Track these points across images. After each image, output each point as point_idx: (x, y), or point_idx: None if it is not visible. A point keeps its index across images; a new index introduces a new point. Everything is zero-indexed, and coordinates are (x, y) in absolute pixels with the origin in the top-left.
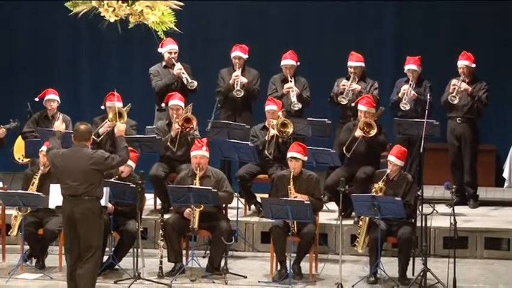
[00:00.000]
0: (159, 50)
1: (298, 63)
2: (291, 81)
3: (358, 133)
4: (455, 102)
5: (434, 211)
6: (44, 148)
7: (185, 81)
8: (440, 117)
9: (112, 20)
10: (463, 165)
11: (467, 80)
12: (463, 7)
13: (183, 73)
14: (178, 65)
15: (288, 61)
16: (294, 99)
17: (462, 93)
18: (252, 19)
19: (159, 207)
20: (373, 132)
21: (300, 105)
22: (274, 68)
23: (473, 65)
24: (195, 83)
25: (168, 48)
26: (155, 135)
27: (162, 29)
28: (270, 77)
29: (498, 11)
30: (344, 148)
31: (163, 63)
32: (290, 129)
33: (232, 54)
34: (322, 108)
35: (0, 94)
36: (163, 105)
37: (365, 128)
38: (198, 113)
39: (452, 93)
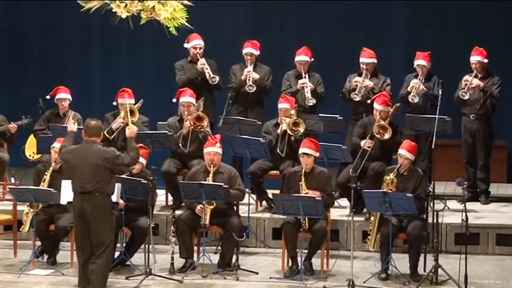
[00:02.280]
0: (185, 45)
1: (312, 59)
2: (305, 77)
3: (367, 145)
4: (466, 97)
5: (446, 207)
6: (56, 144)
7: (207, 76)
8: (454, 113)
9: (124, 16)
10: (477, 162)
11: (479, 76)
12: (476, 2)
13: (206, 68)
14: (202, 60)
15: (302, 57)
16: (308, 94)
17: (474, 88)
18: (264, 15)
19: (170, 203)
20: (387, 135)
21: (314, 101)
22: (286, 64)
23: (486, 60)
24: (217, 78)
25: (194, 44)
26: (166, 132)
27: (173, 25)
28: (282, 73)
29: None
30: (351, 170)
31: (189, 58)
32: (302, 129)
33: (244, 51)
34: (334, 104)
35: (12, 90)
36: (174, 100)
37: (380, 131)
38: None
39: (464, 88)
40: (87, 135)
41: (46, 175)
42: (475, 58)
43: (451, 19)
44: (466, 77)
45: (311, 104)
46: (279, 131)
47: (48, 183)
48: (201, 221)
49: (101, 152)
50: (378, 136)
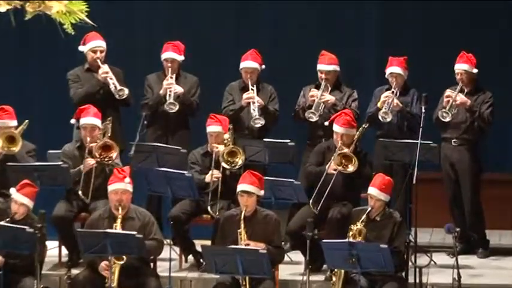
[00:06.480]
0: (80, 48)
1: (263, 66)
2: (252, 90)
3: (330, 170)
4: (448, 119)
5: (432, 262)
6: None
7: (112, 89)
8: (437, 137)
9: (3, 9)
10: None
11: (466, 90)
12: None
13: (111, 78)
14: (104, 67)
15: (249, 63)
16: (255, 113)
17: (459, 107)
18: (192, 8)
19: (65, 259)
20: (352, 168)
21: (262, 122)
22: (221, 73)
23: (475, 70)
24: (126, 91)
25: (92, 46)
26: (60, 163)
27: (69, 20)
28: (215, 85)
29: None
30: (311, 202)
31: (86, 66)
32: (240, 159)
33: (163, 56)
34: (285, 127)
35: None
36: (73, 121)
37: (343, 161)
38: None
39: (445, 107)
40: None
41: None
42: (461, 66)
43: (436, 19)
44: (448, 92)
45: (259, 125)
46: (207, 179)
47: None
48: (106, 283)
49: None
50: (340, 168)
